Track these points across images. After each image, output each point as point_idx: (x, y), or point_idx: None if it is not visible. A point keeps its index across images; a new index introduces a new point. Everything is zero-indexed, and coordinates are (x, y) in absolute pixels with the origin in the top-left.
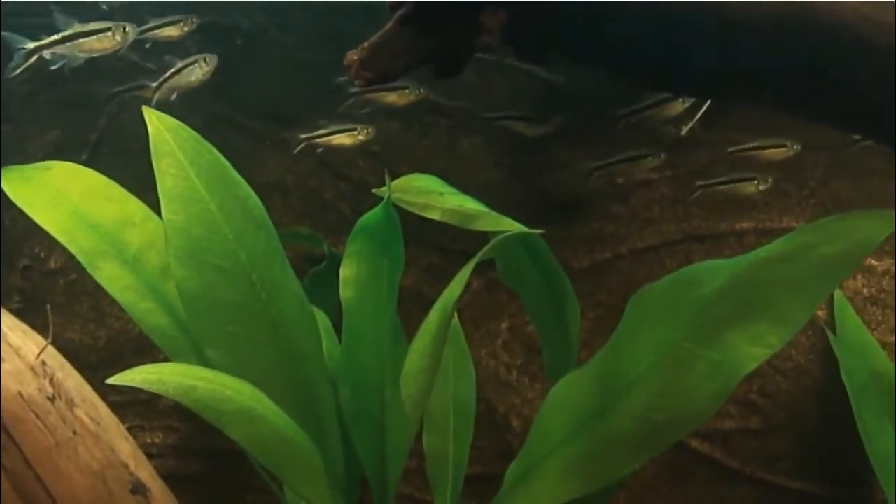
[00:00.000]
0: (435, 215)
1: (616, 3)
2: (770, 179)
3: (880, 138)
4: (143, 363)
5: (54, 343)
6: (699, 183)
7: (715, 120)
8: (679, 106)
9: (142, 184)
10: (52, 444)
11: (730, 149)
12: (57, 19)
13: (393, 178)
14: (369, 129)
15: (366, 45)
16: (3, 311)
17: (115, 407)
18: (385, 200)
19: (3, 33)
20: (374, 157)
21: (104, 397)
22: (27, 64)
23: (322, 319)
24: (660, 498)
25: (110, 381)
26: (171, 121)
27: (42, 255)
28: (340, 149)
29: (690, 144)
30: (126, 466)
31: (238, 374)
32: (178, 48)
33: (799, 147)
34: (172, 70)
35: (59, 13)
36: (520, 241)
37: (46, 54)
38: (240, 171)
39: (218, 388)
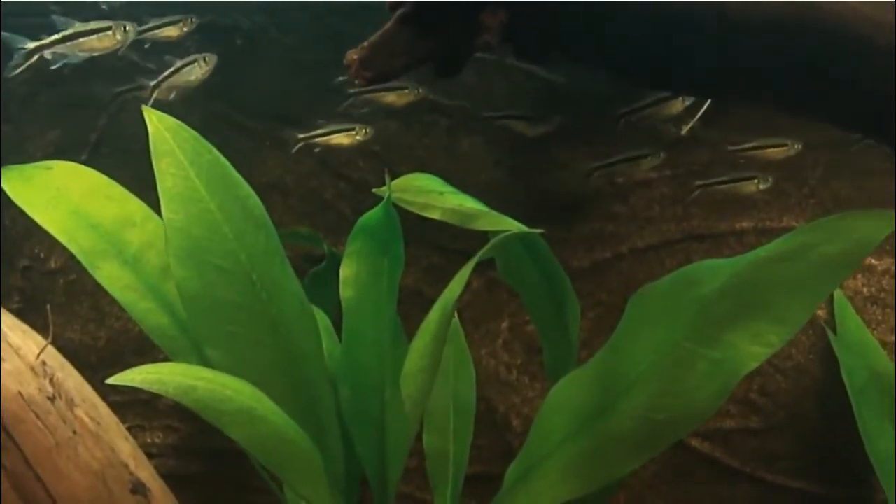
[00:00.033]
0: (435, 215)
1: (616, 3)
2: (770, 179)
3: (880, 138)
4: (143, 363)
5: (54, 343)
6: (699, 182)
7: (715, 119)
8: (679, 105)
9: (142, 184)
10: (52, 443)
11: (730, 147)
12: (56, 20)
13: (393, 178)
14: (367, 130)
15: (365, 44)
16: (3, 311)
17: (115, 407)
18: (385, 200)
19: (3, 33)
20: (374, 156)
21: (104, 397)
22: (27, 64)
23: (322, 319)
24: (660, 497)
25: (110, 381)
26: (171, 120)
27: (42, 255)
28: (339, 149)
29: (690, 144)
30: (126, 466)
31: (238, 374)
32: (178, 48)
33: (800, 146)
34: (171, 69)
35: (58, 13)
36: (520, 241)
37: (47, 54)
38: (240, 171)
39: (218, 388)
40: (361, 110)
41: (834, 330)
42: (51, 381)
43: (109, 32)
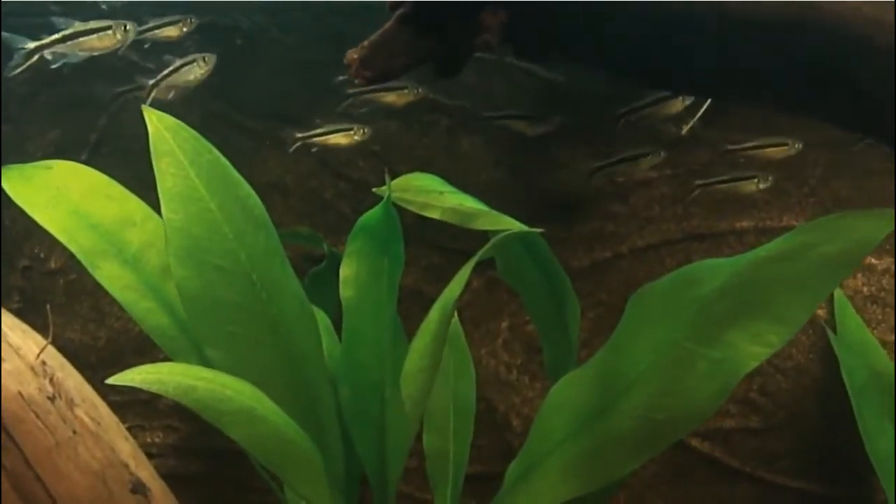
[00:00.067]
0: (435, 214)
1: (616, 3)
2: (770, 178)
3: (880, 138)
4: (143, 363)
5: (54, 343)
6: (699, 182)
7: (715, 119)
8: (679, 104)
9: (142, 183)
10: (52, 443)
11: (730, 147)
12: (56, 20)
13: (393, 178)
14: (365, 130)
15: (365, 43)
16: (3, 311)
17: (115, 407)
18: (385, 200)
19: (3, 33)
20: (374, 156)
21: (104, 397)
22: (27, 64)
23: (322, 319)
24: (660, 497)
25: (110, 380)
26: (171, 120)
27: (42, 255)
28: (337, 148)
29: (690, 143)
30: (126, 466)
31: (238, 374)
32: (178, 48)
33: (800, 146)
34: (170, 69)
35: (58, 13)
36: (520, 240)
37: (47, 54)
38: (240, 171)
39: (218, 388)
40: (361, 110)
41: (834, 329)
42: (51, 380)
43: (109, 32)
